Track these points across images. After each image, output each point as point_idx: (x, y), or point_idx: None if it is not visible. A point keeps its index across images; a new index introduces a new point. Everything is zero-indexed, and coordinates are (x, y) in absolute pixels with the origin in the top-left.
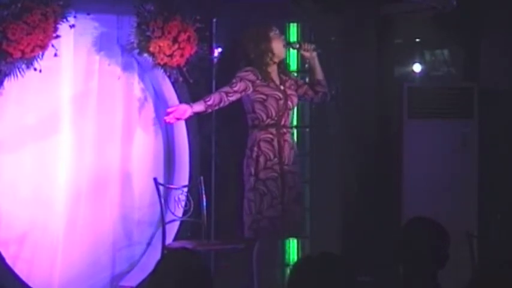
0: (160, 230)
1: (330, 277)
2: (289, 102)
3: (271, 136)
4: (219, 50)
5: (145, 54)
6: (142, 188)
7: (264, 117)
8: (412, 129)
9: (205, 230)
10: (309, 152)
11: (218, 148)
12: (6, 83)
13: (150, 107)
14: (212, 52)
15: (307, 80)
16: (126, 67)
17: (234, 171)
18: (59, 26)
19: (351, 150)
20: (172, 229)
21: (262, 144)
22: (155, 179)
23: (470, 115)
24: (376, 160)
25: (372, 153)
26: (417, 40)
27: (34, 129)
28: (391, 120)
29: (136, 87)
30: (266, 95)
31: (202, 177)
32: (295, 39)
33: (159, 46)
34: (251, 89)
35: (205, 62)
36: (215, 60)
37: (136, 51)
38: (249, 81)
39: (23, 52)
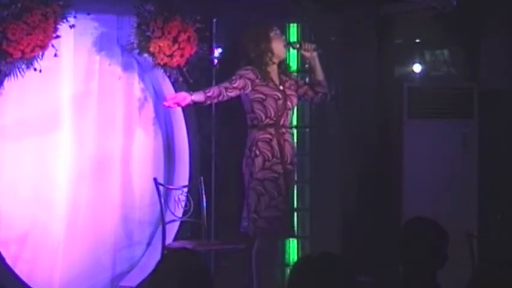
0: (160, 230)
1: (330, 277)
2: (289, 103)
3: (269, 136)
4: (219, 50)
5: (146, 55)
6: (142, 188)
7: (263, 117)
8: (412, 129)
9: (205, 230)
10: (309, 152)
11: (218, 148)
12: (6, 83)
13: (150, 107)
14: (212, 52)
15: (307, 80)
16: (126, 67)
17: (234, 171)
18: (59, 26)
19: (351, 150)
20: (173, 229)
21: (260, 144)
22: (155, 179)
23: (470, 115)
24: (376, 160)
25: (372, 153)
26: (417, 40)
27: (34, 129)
28: (391, 120)
29: (137, 87)
30: (265, 94)
31: (202, 178)
32: (295, 39)
33: (159, 46)
34: (250, 88)
35: (205, 62)
36: (215, 60)
37: (137, 51)
38: (248, 79)
39: (23, 52)
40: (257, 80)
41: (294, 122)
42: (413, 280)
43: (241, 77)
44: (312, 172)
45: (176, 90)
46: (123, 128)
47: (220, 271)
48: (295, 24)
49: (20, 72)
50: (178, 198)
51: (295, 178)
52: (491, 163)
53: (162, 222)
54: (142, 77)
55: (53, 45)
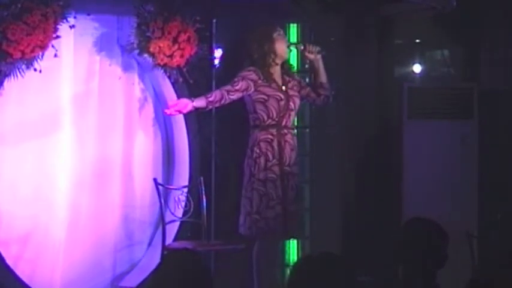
0: (160, 231)
1: (330, 277)
2: (291, 104)
3: (271, 137)
4: (219, 50)
5: (146, 55)
6: (143, 188)
7: (265, 118)
8: (412, 130)
9: (205, 230)
10: (309, 152)
11: (218, 148)
12: (6, 83)
13: (150, 107)
14: (212, 52)
15: (307, 80)
16: (126, 67)
17: (234, 171)
18: (59, 26)
19: (351, 150)
20: (173, 229)
21: (262, 144)
22: (155, 180)
23: (470, 115)
24: (376, 160)
25: (372, 153)
26: (417, 40)
27: (34, 129)
28: (391, 120)
29: (137, 87)
30: (267, 95)
31: (202, 178)
32: (295, 39)
33: (159, 46)
34: (252, 89)
35: (205, 62)
36: (217, 60)
37: (137, 51)
38: (251, 80)
39: (23, 52)
40: (259, 81)
41: (294, 123)
42: (413, 280)
43: (243, 78)
44: (312, 172)
45: (176, 91)
46: (123, 129)
47: (220, 271)
48: (295, 24)
49: (20, 72)
50: (178, 199)
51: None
52: (491, 163)
53: (162, 223)
54: (142, 77)
55: (53, 46)
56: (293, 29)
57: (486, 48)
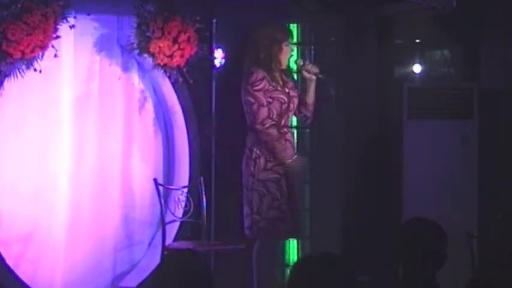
0: (160, 231)
1: (330, 277)
2: (291, 105)
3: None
4: (219, 50)
5: (146, 55)
6: (143, 188)
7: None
8: (412, 130)
9: (205, 231)
10: (309, 152)
11: (218, 148)
12: (6, 83)
13: (150, 107)
14: (212, 52)
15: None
16: (126, 68)
17: (234, 171)
18: (59, 26)
19: (351, 150)
20: (173, 229)
21: (262, 144)
22: (155, 180)
23: (470, 115)
24: (376, 160)
25: (372, 153)
26: (417, 40)
27: (35, 129)
28: (391, 120)
29: (137, 87)
30: (272, 98)
31: (202, 178)
32: (295, 40)
33: (159, 47)
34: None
35: (205, 62)
36: (218, 60)
37: (137, 51)
38: (266, 90)
39: (23, 53)
40: (270, 87)
41: (294, 123)
42: (413, 280)
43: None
44: (312, 172)
45: (176, 91)
46: (123, 129)
47: (220, 271)
48: (295, 24)
49: (20, 72)
50: (178, 199)
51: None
52: (491, 163)
53: (162, 223)
54: (142, 78)
55: (53, 46)
56: (293, 29)
57: (486, 48)
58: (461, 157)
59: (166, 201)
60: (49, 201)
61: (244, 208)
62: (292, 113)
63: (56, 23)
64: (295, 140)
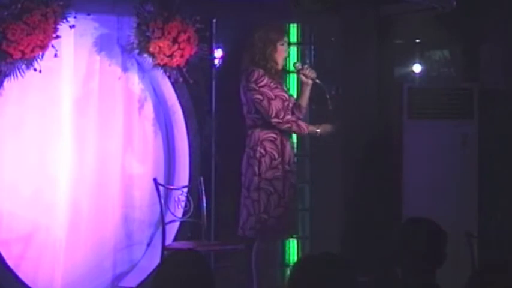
0: (160, 231)
1: (330, 277)
2: (290, 104)
3: (274, 135)
4: (219, 50)
5: (145, 55)
6: (143, 188)
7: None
8: (412, 130)
9: (205, 231)
10: (309, 152)
11: (218, 148)
12: (6, 83)
13: (150, 107)
14: (212, 52)
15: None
16: (126, 67)
17: (234, 171)
18: (59, 26)
19: (350, 150)
20: (173, 229)
21: (266, 143)
22: (155, 180)
23: (470, 116)
24: (376, 160)
25: (372, 153)
26: (417, 40)
27: (34, 130)
28: (391, 120)
29: (137, 87)
30: (275, 96)
31: (202, 178)
32: (295, 40)
33: (159, 46)
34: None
35: (205, 62)
36: (217, 60)
37: (137, 51)
38: (268, 86)
39: (23, 52)
40: (272, 84)
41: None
42: (412, 280)
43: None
44: (312, 172)
45: (176, 91)
46: (123, 129)
47: (220, 271)
48: (295, 24)
49: (20, 72)
50: (178, 199)
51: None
52: (491, 163)
53: (162, 223)
54: (142, 77)
55: (53, 46)
56: (293, 29)
57: (486, 48)
58: (461, 157)
59: (166, 201)
60: (49, 201)
61: (243, 209)
62: (289, 111)
63: (56, 23)
64: (295, 140)
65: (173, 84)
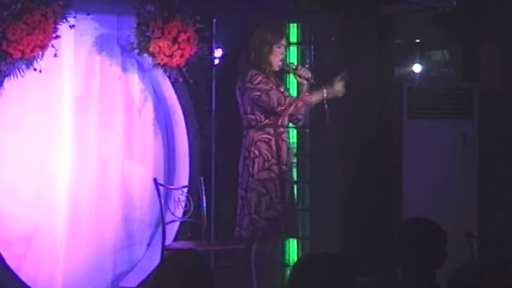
0: (160, 231)
1: (330, 277)
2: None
3: (268, 136)
4: (219, 50)
5: (145, 55)
6: (143, 188)
7: (262, 118)
8: (412, 130)
9: (205, 231)
10: (309, 152)
11: (218, 148)
12: (6, 83)
13: (150, 107)
14: (212, 52)
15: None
16: (126, 67)
17: (234, 171)
18: (59, 26)
19: (351, 150)
20: (173, 229)
21: (260, 144)
22: (155, 180)
23: (470, 116)
24: (376, 160)
25: (372, 153)
26: (417, 40)
27: (34, 130)
28: (391, 120)
29: (137, 87)
30: (271, 87)
31: (202, 178)
32: (295, 40)
33: (159, 46)
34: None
35: (205, 62)
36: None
37: (137, 51)
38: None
39: (22, 52)
40: (265, 81)
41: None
42: (412, 280)
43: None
44: (312, 172)
45: (176, 91)
46: (123, 129)
47: (220, 271)
48: (295, 24)
49: (20, 72)
50: (178, 199)
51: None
52: (491, 163)
53: (162, 223)
54: (142, 77)
55: (53, 46)
56: (293, 29)
57: (486, 48)
58: (461, 157)
59: (166, 201)
60: (49, 201)
61: (239, 209)
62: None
63: (56, 23)
64: (295, 140)
65: (173, 84)
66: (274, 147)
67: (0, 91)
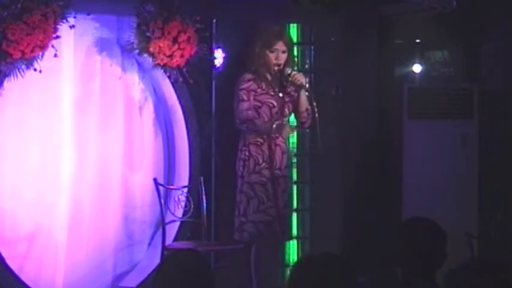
0: (160, 231)
1: (330, 277)
2: (286, 110)
3: (261, 140)
4: (219, 50)
5: (145, 55)
6: (143, 188)
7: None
8: (412, 130)
9: (205, 231)
10: (309, 152)
11: (218, 148)
12: (6, 83)
13: (150, 107)
14: (212, 52)
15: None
16: (126, 67)
17: (234, 171)
18: (59, 26)
19: (351, 150)
20: (173, 229)
21: (251, 147)
22: (155, 180)
23: (470, 116)
24: (376, 160)
25: (372, 153)
26: (417, 40)
27: (34, 130)
28: (391, 120)
29: (137, 87)
30: (262, 103)
31: (202, 178)
32: (295, 40)
33: (159, 46)
34: (252, 98)
35: (205, 62)
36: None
37: (137, 51)
38: (252, 91)
39: (22, 52)
40: (258, 90)
41: (294, 123)
42: (412, 280)
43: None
44: (312, 172)
45: (176, 91)
46: (124, 129)
47: (220, 271)
48: (295, 24)
49: (20, 72)
50: (178, 199)
51: (295, 179)
52: (491, 163)
53: (162, 223)
54: (142, 77)
55: (53, 46)
56: (293, 29)
57: (486, 48)
58: (461, 157)
59: (166, 201)
60: (50, 201)
61: (235, 213)
62: (286, 117)
63: (56, 23)
64: (295, 140)
65: (173, 84)
66: (266, 151)
67: (1, 91)
